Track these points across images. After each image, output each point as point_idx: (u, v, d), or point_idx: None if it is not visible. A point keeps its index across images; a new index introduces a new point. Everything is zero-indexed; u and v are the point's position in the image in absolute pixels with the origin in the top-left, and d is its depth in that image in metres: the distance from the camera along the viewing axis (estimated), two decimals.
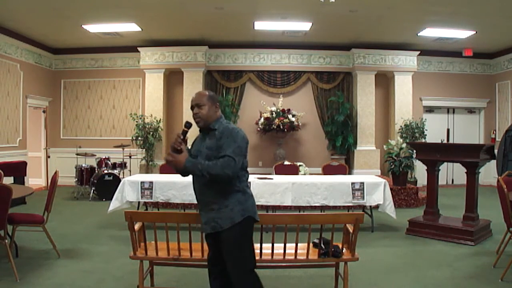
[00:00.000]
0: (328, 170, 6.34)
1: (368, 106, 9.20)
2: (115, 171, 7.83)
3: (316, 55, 9.32)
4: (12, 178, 7.12)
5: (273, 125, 8.71)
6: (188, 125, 2.42)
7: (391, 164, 7.30)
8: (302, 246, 2.99)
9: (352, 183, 5.18)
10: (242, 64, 9.32)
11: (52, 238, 4.18)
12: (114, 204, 5.29)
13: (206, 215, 2.42)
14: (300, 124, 8.95)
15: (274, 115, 8.79)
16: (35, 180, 8.99)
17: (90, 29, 7.92)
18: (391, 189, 5.52)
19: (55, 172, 4.33)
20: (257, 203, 5.40)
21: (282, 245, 2.91)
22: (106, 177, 7.59)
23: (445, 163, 7.37)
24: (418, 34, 8.23)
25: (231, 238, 2.37)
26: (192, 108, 2.49)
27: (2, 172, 4.81)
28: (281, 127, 8.67)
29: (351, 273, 3.18)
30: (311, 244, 3.07)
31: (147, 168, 8.62)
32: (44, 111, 9.37)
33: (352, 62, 9.23)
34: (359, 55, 9.13)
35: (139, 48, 9.03)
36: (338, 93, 9.24)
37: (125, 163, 8.18)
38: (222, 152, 2.31)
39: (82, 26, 7.72)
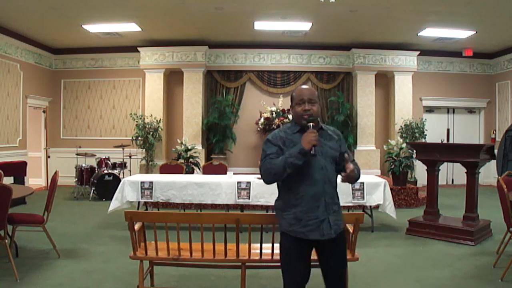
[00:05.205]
0: None
1: (368, 106, 9.20)
2: (115, 171, 7.83)
3: (316, 55, 9.32)
4: (12, 178, 7.11)
5: (273, 125, 8.71)
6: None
7: (391, 164, 7.30)
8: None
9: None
10: (242, 64, 9.31)
11: (52, 238, 4.18)
12: (114, 204, 5.29)
13: (331, 219, 2.21)
14: None
15: (274, 115, 8.79)
16: (35, 180, 8.98)
17: (90, 29, 7.91)
18: (391, 189, 5.52)
19: (55, 172, 4.33)
20: (257, 203, 5.47)
21: None
22: (106, 177, 7.59)
23: (445, 163, 7.36)
24: (418, 34, 8.23)
25: (343, 239, 2.36)
26: (299, 103, 2.28)
27: (2, 172, 4.81)
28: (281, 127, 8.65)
29: (351, 273, 3.17)
30: None
31: (147, 168, 8.61)
32: (44, 111, 9.37)
33: (352, 62, 9.23)
34: (359, 55, 9.13)
35: (139, 48, 9.03)
36: (338, 93, 9.24)
37: (125, 163, 8.18)
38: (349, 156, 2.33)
39: (82, 26, 7.72)
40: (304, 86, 2.39)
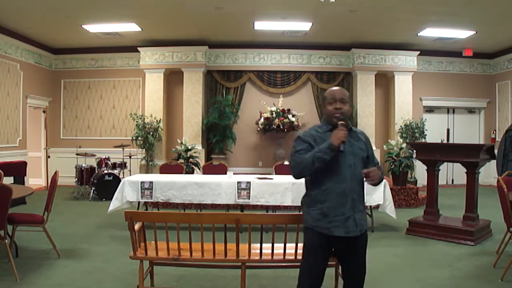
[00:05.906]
0: None
1: (368, 106, 9.20)
2: (115, 171, 7.83)
3: (316, 55, 9.32)
4: (12, 178, 7.12)
5: (273, 125, 8.71)
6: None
7: (391, 164, 7.30)
8: (302, 246, 2.99)
9: None
10: (242, 64, 9.32)
11: (52, 238, 4.18)
12: (114, 204, 5.28)
13: (357, 217, 2.26)
14: (300, 124, 8.95)
15: (274, 115, 8.79)
16: (35, 180, 8.99)
17: (90, 29, 7.92)
18: (391, 189, 5.52)
19: (55, 172, 4.33)
20: (257, 203, 5.46)
21: (282, 245, 2.91)
22: (106, 177, 7.59)
23: (445, 163, 7.36)
24: (418, 34, 8.23)
25: (366, 239, 2.36)
26: (331, 102, 2.32)
27: (2, 172, 4.81)
28: (281, 127, 8.67)
29: None
30: None
31: (147, 168, 8.61)
32: (44, 111, 9.37)
33: (352, 62, 9.23)
34: (359, 55, 9.13)
35: (139, 48, 9.03)
36: None
37: (125, 163, 8.18)
38: (373, 160, 2.41)
39: (82, 26, 7.72)
40: (336, 88, 2.44)
